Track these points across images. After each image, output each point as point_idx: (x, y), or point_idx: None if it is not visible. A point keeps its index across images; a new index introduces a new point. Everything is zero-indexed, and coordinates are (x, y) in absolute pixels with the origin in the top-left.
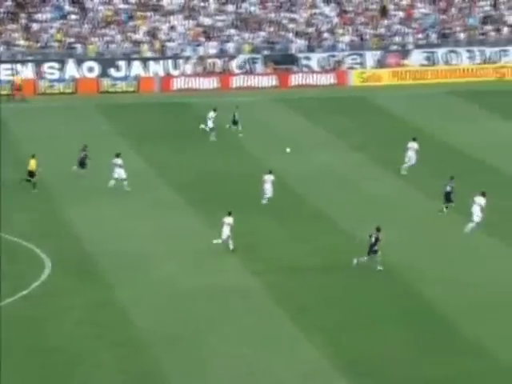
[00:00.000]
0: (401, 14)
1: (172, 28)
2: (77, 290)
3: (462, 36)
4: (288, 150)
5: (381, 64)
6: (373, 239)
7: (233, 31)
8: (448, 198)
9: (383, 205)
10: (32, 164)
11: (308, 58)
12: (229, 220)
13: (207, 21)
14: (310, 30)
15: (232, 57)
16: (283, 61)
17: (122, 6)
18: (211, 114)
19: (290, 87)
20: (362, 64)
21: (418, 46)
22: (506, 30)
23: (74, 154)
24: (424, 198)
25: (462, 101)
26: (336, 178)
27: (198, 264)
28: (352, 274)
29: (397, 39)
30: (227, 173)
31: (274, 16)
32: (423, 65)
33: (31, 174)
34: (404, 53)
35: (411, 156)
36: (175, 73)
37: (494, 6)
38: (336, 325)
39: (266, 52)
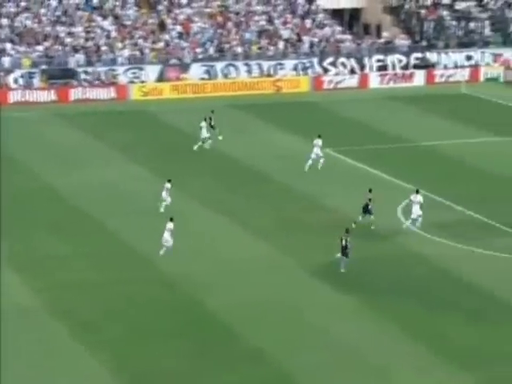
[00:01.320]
0: (179, 28)
1: None
2: None
3: (239, 50)
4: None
5: (161, 78)
6: (343, 242)
7: (8, 45)
8: (365, 209)
9: (168, 216)
10: None
11: (87, 73)
12: (170, 225)
13: None
14: (89, 43)
15: (8, 71)
16: (62, 75)
17: None
18: (202, 124)
19: (70, 102)
20: (142, 78)
21: (196, 60)
22: (281, 44)
23: None
24: (205, 210)
25: (242, 113)
26: (117, 191)
27: None
28: (134, 288)
29: (176, 53)
30: (3, 189)
31: (50, 30)
32: (203, 78)
33: None
34: (183, 67)
35: (317, 152)
36: None
37: (269, 20)
38: (119, 339)
39: (44, 66)
